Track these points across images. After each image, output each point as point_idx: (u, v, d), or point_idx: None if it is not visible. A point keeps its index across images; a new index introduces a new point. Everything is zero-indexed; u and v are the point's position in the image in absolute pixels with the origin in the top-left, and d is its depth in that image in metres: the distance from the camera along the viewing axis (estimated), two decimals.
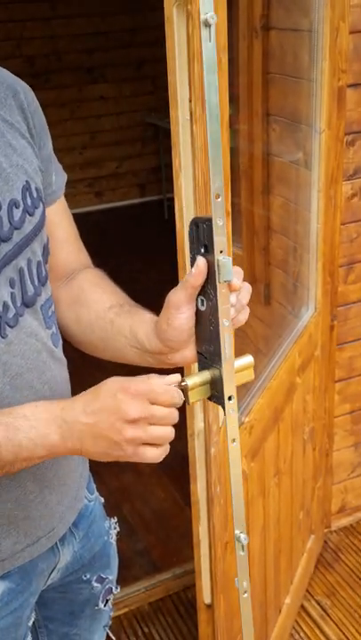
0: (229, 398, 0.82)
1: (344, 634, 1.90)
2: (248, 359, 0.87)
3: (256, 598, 1.60)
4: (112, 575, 1.22)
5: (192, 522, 1.33)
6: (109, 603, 1.26)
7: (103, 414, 0.77)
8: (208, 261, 0.80)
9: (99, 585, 1.19)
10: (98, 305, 0.96)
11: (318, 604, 2.00)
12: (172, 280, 1.10)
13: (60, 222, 0.99)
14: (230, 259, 0.78)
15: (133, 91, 5.35)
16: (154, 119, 5.21)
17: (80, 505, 1.08)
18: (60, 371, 0.95)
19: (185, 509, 2.31)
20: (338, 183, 1.84)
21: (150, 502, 2.41)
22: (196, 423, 1.21)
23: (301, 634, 1.91)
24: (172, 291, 0.86)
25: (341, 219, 1.90)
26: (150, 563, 2.16)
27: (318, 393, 1.93)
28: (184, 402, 0.84)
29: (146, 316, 0.92)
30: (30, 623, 1.05)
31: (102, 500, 1.24)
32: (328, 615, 1.96)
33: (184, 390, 0.82)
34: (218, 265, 0.78)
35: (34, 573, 1.01)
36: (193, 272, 0.81)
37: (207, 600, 1.35)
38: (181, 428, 1.29)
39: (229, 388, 0.83)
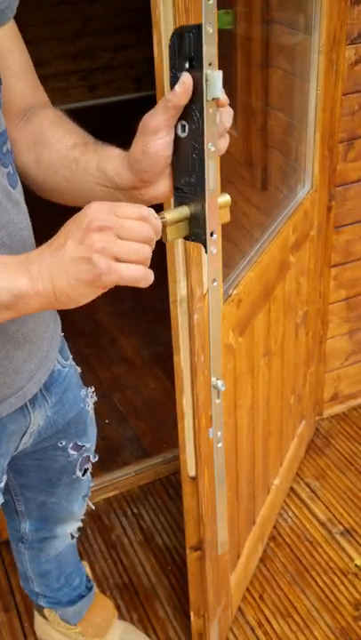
0: (211, 234, 0.76)
1: (332, 513, 1.92)
2: (225, 197, 0.80)
3: (244, 475, 1.60)
4: (89, 443, 1.19)
5: (175, 394, 1.29)
6: (88, 473, 1.24)
7: (68, 237, 0.69)
8: (194, 78, 0.72)
9: (75, 452, 1.16)
10: (60, 144, 0.87)
11: (308, 485, 2.01)
12: None
13: (11, 50, 0.89)
14: (220, 72, 0.70)
15: None
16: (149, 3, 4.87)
17: (51, 365, 1.03)
18: (19, 216, 0.88)
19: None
20: (341, 46, 1.69)
21: (141, 391, 2.39)
22: (179, 289, 1.15)
23: (290, 513, 1.93)
24: (149, 114, 0.77)
25: (343, 88, 1.76)
26: (140, 449, 2.16)
27: (313, 276, 1.86)
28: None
29: (114, 151, 0.84)
30: (2, 485, 1.03)
31: (79, 369, 1.20)
32: (317, 496, 1.98)
33: (162, 226, 0.76)
34: (206, 79, 0.70)
35: (3, 434, 0.97)
36: (177, 90, 0.73)
37: (191, 472, 1.33)
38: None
39: (212, 223, 0.76)
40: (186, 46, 0.72)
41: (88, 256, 0.67)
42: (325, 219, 1.88)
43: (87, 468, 1.23)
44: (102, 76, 5.28)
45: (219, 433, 0.85)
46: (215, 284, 0.78)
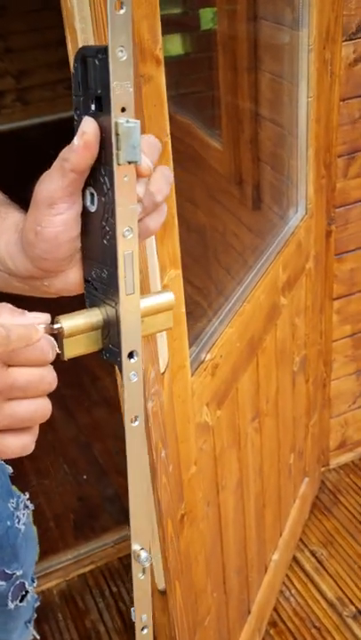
0: (130, 355, 0.50)
1: (342, 589, 1.65)
2: (166, 297, 0.54)
3: (233, 565, 1.33)
4: (21, 569, 0.92)
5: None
6: (28, 597, 0.98)
7: None
8: (101, 127, 0.47)
9: (4, 583, 0.90)
10: None
11: (313, 554, 1.74)
12: None
13: None
14: (138, 123, 0.45)
15: None
16: None
17: None
18: None
19: None
20: (336, 43, 1.42)
21: (124, 440, 2.12)
22: None
23: (293, 590, 1.66)
24: (43, 177, 0.51)
25: (341, 92, 1.49)
26: (122, 510, 1.89)
27: (312, 314, 1.59)
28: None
29: (11, 219, 0.57)
30: None
31: (10, 470, 0.93)
32: (324, 568, 1.70)
33: (56, 337, 0.50)
34: (117, 134, 0.45)
35: None
36: (75, 144, 0.48)
37: (160, 585, 1.07)
38: None
39: (131, 340, 0.50)
40: (91, 78, 0.47)
41: None
42: (324, 246, 1.61)
43: (26, 593, 0.97)
44: None
45: (144, 617, 0.60)
46: (136, 423, 0.52)
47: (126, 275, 0.48)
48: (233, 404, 1.18)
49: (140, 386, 0.51)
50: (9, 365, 0.47)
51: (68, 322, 0.50)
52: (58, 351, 0.50)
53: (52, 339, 0.49)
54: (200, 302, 1.47)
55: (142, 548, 0.55)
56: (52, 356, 0.49)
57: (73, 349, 0.51)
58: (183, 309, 0.92)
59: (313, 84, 1.36)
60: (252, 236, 1.95)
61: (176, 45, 2.50)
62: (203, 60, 2.27)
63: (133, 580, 0.57)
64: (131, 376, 0.50)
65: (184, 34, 2.44)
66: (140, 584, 0.57)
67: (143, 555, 0.55)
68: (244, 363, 1.20)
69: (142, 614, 0.58)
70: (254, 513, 1.40)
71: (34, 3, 4.56)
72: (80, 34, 0.68)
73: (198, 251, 2.14)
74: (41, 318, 0.49)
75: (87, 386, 2.36)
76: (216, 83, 1.94)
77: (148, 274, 0.83)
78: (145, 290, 0.80)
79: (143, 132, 0.79)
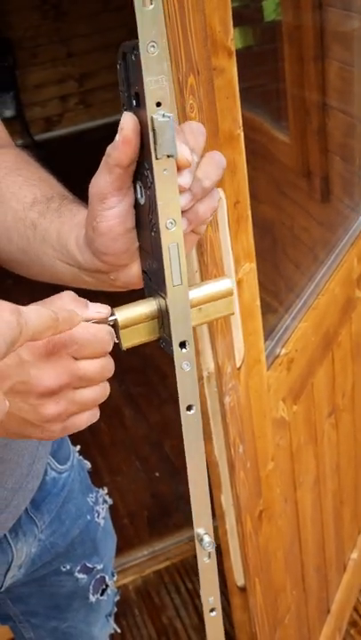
0: (182, 345, 0.51)
1: None
2: (223, 284, 0.54)
3: (311, 562, 1.31)
4: (101, 563, 0.93)
5: (212, 489, 1.02)
6: (108, 591, 0.99)
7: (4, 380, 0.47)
8: (141, 122, 0.48)
9: (84, 576, 0.92)
10: (17, 201, 0.63)
11: None
12: None
13: None
14: (171, 117, 0.46)
15: None
16: None
17: (36, 482, 0.79)
18: None
19: None
20: None
21: None
22: (205, 362, 0.88)
23: None
24: (95, 174, 0.53)
25: None
26: None
27: None
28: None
29: (79, 216, 0.59)
30: None
31: (88, 465, 0.95)
32: None
33: (115, 327, 0.52)
34: (152, 128, 0.46)
35: None
36: (116, 140, 0.49)
37: (240, 582, 1.06)
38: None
39: (182, 330, 0.51)
40: (131, 74, 0.48)
41: (36, 423, 0.49)
42: None
43: (106, 586, 0.98)
44: None
45: (211, 599, 0.61)
46: (192, 412, 0.53)
47: (172, 266, 0.49)
48: (309, 399, 1.16)
49: (193, 375, 0.52)
50: (76, 359, 0.49)
51: (123, 313, 0.52)
52: (116, 341, 0.52)
53: (112, 329, 0.51)
54: (274, 296, 1.45)
55: (206, 533, 0.56)
56: (110, 347, 0.51)
57: (130, 339, 0.53)
58: (258, 303, 0.91)
59: None
60: (322, 229, 1.91)
61: (239, 38, 2.48)
62: (267, 52, 2.24)
63: (199, 564, 0.58)
64: (183, 365, 0.52)
65: (247, 27, 2.42)
66: (206, 567, 0.58)
67: (206, 539, 0.56)
68: (319, 357, 1.17)
69: (209, 597, 0.59)
70: (332, 510, 1.37)
71: (94, 6, 4.63)
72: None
73: (267, 244, 2.11)
74: (102, 311, 0.51)
75: (156, 384, 2.37)
76: (281, 74, 1.92)
77: (222, 267, 0.82)
78: None
79: (216, 126, 0.78)
